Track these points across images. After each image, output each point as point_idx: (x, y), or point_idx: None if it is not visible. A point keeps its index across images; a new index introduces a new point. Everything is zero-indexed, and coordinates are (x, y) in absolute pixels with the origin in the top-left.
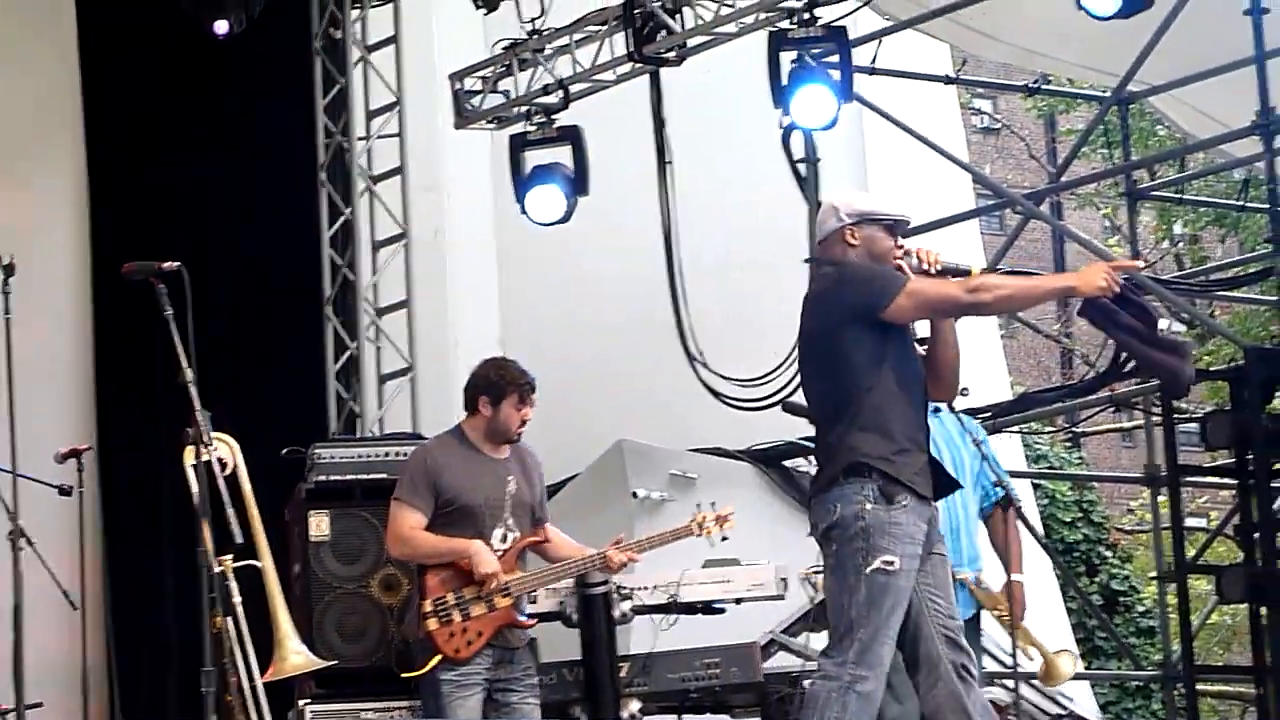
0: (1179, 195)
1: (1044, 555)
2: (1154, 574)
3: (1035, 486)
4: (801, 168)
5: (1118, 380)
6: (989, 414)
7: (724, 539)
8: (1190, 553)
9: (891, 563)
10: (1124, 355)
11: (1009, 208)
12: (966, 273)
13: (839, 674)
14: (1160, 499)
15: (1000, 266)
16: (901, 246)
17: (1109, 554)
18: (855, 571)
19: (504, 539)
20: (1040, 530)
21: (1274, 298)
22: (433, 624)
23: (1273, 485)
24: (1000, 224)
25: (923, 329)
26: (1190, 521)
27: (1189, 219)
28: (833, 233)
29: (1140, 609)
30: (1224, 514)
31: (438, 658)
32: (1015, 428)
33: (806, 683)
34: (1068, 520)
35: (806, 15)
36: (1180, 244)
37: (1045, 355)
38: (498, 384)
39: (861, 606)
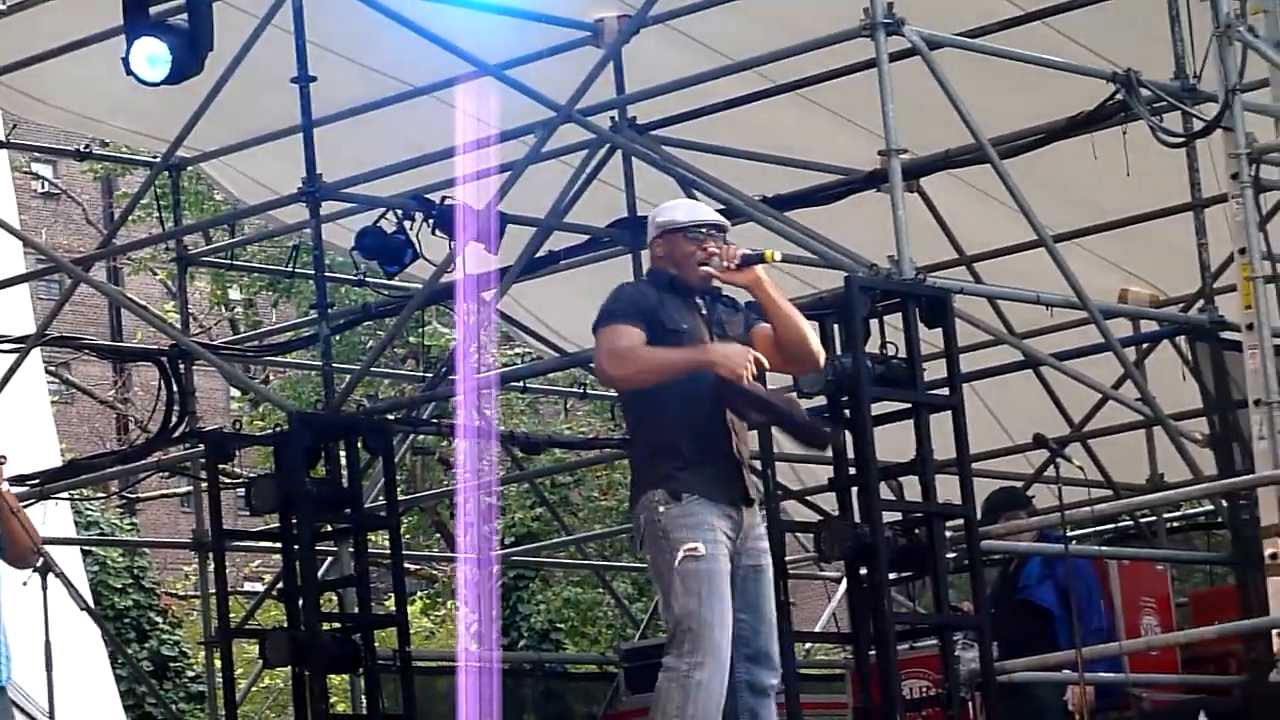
0: (230, 261)
1: (92, 623)
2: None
3: (85, 553)
4: None
5: (168, 445)
6: (36, 480)
7: None
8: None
9: (696, 549)
10: (175, 421)
11: (62, 272)
12: (761, 257)
13: (676, 665)
14: (209, 564)
15: (51, 331)
16: (704, 249)
17: (160, 619)
18: (667, 568)
19: None
20: (89, 598)
21: (320, 363)
22: None
23: (317, 548)
24: (60, 288)
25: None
26: (248, 586)
27: (244, 284)
28: (649, 244)
29: (191, 674)
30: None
31: None
32: (65, 494)
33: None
34: (118, 586)
35: None
36: (236, 309)
37: (101, 421)
38: None
39: (680, 599)
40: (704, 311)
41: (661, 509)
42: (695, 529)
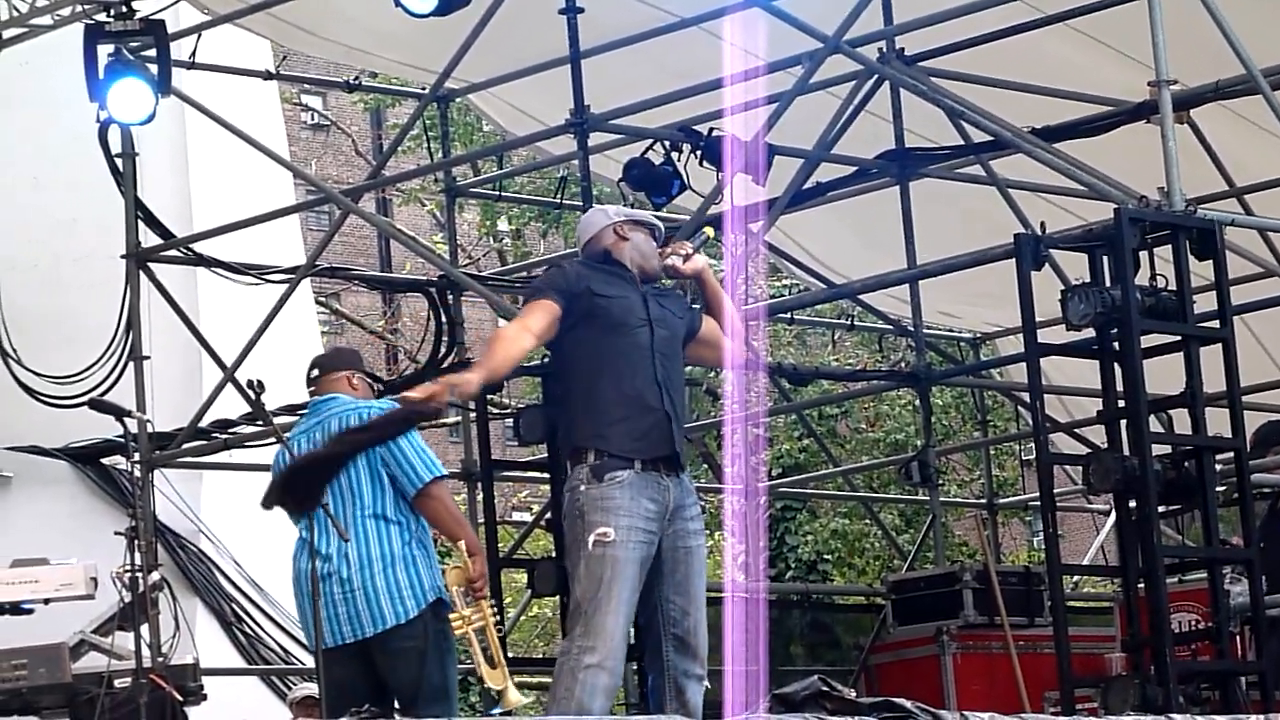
0: (498, 192)
1: None
2: None
3: None
4: (120, 162)
5: (438, 375)
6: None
7: None
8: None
9: (606, 534)
10: (443, 352)
11: (331, 203)
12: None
13: (569, 648)
14: (478, 494)
15: (320, 262)
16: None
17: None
18: (576, 548)
19: None
20: None
21: None
22: None
23: None
24: (329, 219)
25: None
26: (516, 515)
27: (512, 215)
28: (604, 229)
29: None
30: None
31: None
32: None
33: None
34: None
35: (124, 8)
36: (504, 240)
37: (369, 351)
38: None
39: (583, 582)
40: (641, 292)
41: (583, 488)
42: (611, 513)
